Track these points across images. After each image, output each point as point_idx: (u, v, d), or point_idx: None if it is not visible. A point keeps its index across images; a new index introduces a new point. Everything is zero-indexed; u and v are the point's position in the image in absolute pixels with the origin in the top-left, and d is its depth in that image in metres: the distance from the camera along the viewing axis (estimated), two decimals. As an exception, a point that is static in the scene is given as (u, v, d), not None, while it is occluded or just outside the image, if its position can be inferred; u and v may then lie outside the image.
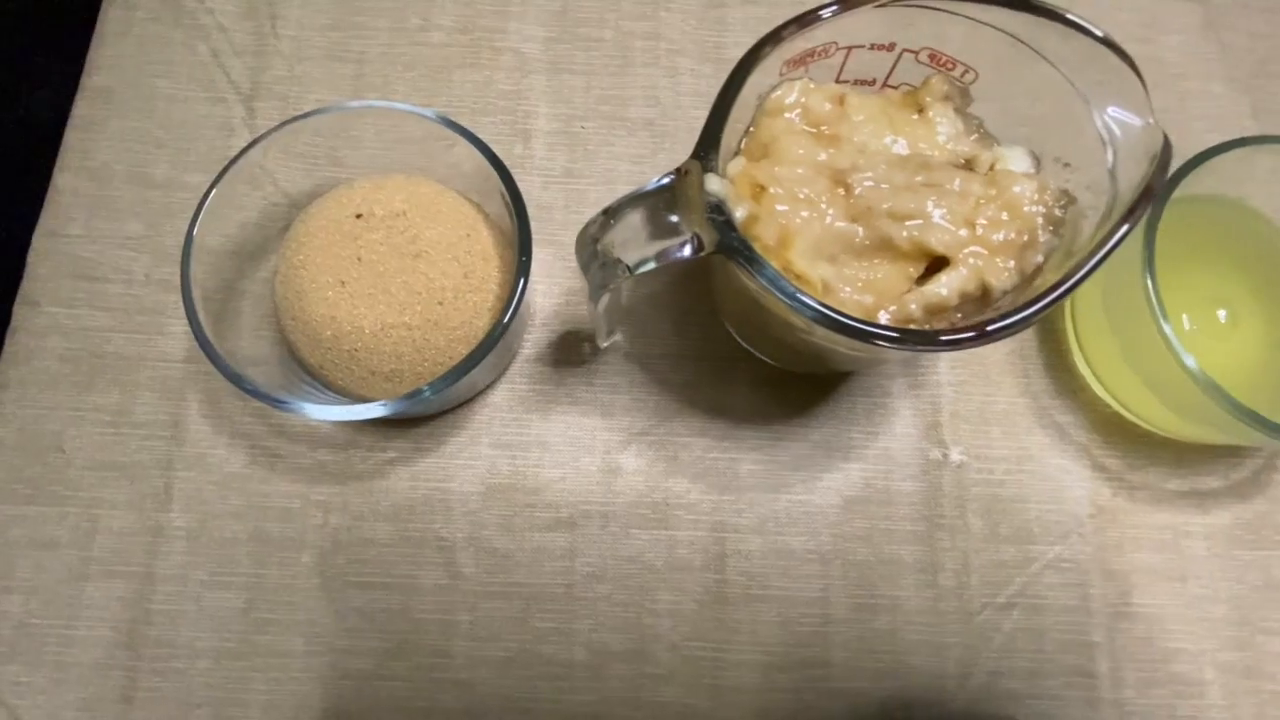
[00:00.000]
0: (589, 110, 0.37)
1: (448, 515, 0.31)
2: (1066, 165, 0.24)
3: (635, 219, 0.22)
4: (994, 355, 0.34)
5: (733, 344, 0.33)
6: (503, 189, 0.28)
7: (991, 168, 0.24)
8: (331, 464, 0.32)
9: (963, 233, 0.23)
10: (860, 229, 0.23)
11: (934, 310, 0.23)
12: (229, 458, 0.31)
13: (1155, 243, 0.28)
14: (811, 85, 0.25)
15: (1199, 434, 0.31)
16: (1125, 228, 0.21)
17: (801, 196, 0.23)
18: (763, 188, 0.22)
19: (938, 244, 0.23)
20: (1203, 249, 0.32)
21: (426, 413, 0.31)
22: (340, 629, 0.30)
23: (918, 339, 0.22)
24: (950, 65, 0.25)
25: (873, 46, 0.25)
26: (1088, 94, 0.23)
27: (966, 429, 0.33)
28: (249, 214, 0.30)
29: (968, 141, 0.25)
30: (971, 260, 0.23)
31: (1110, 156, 0.22)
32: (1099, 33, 0.23)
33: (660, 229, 0.22)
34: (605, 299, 0.24)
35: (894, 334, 0.21)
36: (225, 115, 0.35)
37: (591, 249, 0.23)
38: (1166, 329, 0.27)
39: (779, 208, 0.22)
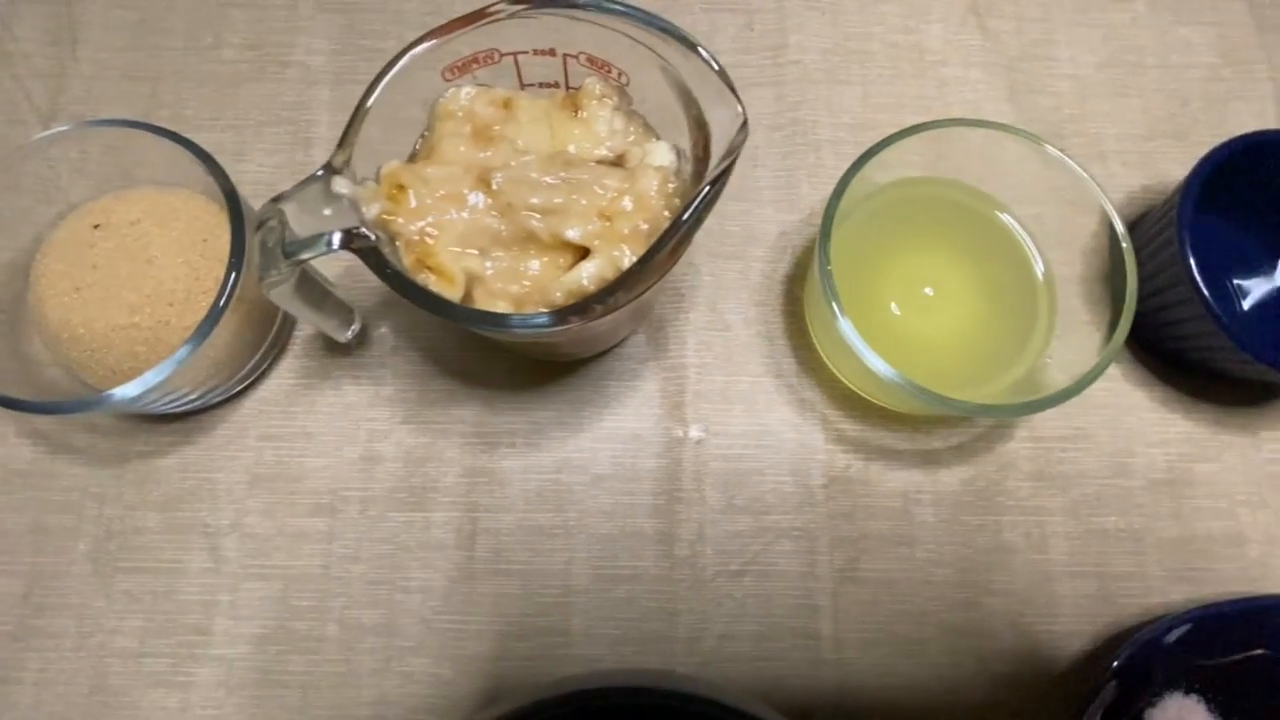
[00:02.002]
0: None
1: (214, 504, 0.33)
2: (699, 158, 0.26)
3: (292, 211, 0.24)
4: (742, 337, 0.36)
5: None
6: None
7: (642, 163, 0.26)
8: (110, 458, 0.34)
9: (596, 225, 0.25)
10: (504, 224, 0.25)
11: (578, 296, 0.25)
12: (12, 455, 0.34)
13: (830, 250, 0.29)
14: (472, 91, 0.26)
15: (915, 409, 0.32)
16: (694, 205, 0.22)
17: (441, 195, 0.24)
18: (403, 187, 0.24)
19: (572, 235, 0.24)
20: (921, 231, 0.34)
21: (188, 409, 0.33)
22: (109, 611, 0.32)
23: (488, 320, 0.23)
24: (606, 68, 0.27)
25: (535, 52, 0.27)
26: (698, 94, 0.25)
27: (708, 407, 0.34)
28: (41, 229, 0.32)
29: (624, 138, 0.27)
30: (606, 249, 0.25)
31: (716, 148, 0.24)
32: (691, 40, 0.24)
33: (315, 221, 0.24)
34: (284, 289, 0.26)
35: (472, 314, 0.23)
36: (23, 137, 0.38)
37: (260, 239, 0.25)
38: (845, 326, 0.29)
39: (412, 204, 0.24)
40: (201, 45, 0.39)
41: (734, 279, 0.36)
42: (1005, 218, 0.34)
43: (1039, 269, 0.33)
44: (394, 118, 0.26)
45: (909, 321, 0.32)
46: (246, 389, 0.34)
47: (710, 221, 0.36)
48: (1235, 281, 0.36)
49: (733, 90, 0.24)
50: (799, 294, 0.36)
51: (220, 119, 0.38)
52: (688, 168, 0.27)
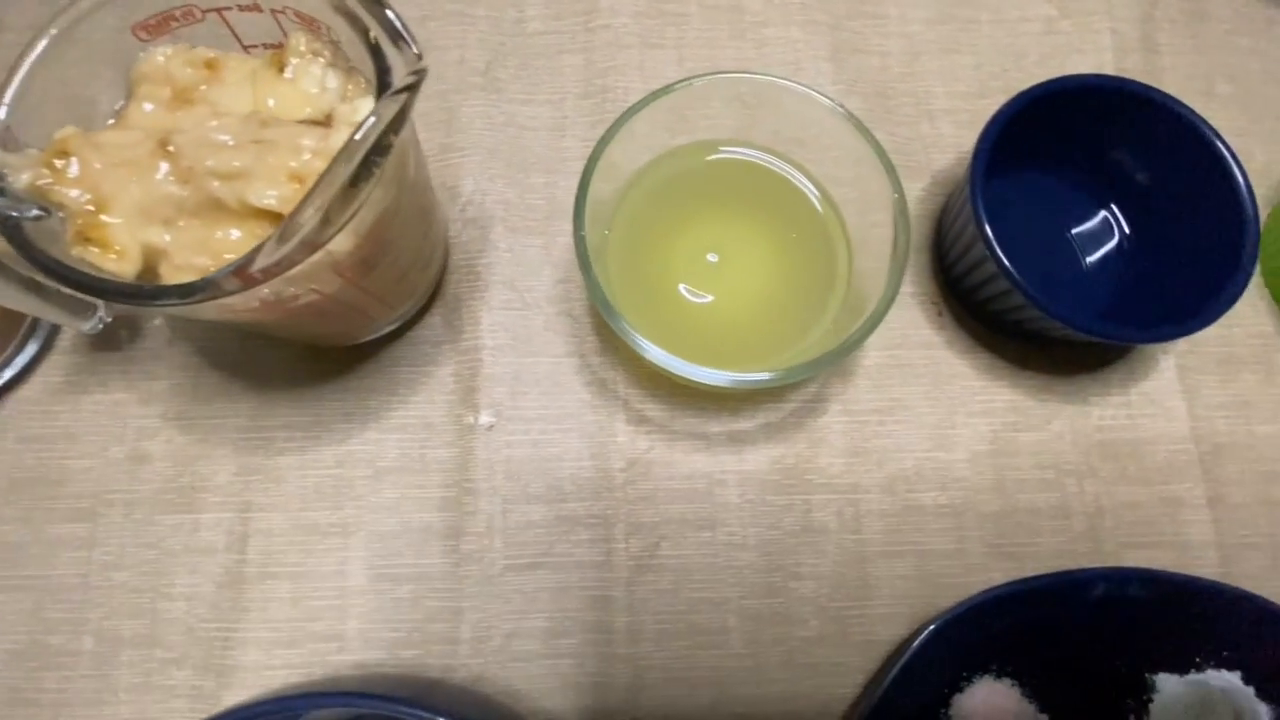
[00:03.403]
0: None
1: (-36, 512, 0.31)
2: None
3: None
4: (543, 316, 0.33)
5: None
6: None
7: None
8: None
9: (287, 188, 0.22)
10: (188, 191, 0.23)
11: (277, 268, 0.23)
12: None
13: (586, 239, 0.27)
14: (169, 51, 0.24)
15: (710, 387, 0.31)
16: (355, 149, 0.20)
17: (118, 162, 0.22)
18: (65, 154, 0.22)
19: (259, 200, 0.22)
20: (709, 201, 0.32)
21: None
22: None
23: (133, 294, 0.21)
24: (314, 24, 0.25)
25: (240, 8, 0.25)
26: (382, 44, 0.22)
27: (502, 391, 0.32)
28: None
29: (337, 97, 0.25)
30: (300, 215, 0.23)
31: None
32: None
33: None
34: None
35: (111, 287, 0.21)
36: None
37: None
38: (623, 325, 0.27)
39: (73, 172, 0.22)
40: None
41: (536, 255, 0.34)
42: (801, 179, 0.32)
43: (836, 230, 0.31)
44: (76, 80, 0.23)
45: (701, 296, 0.31)
46: (4, 389, 0.32)
47: (510, 194, 0.35)
48: (1075, 240, 0.34)
49: (406, 34, 0.22)
50: (606, 269, 0.34)
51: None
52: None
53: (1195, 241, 0.31)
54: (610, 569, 0.31)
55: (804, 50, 0.37)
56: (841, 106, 0.29)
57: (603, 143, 0.28)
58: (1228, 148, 0.31)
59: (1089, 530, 0.32)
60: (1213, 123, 0.37)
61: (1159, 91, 0.31)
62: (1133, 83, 0.31)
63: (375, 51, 0.22)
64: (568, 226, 0.34)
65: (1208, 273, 0.30)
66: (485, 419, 0.32)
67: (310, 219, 0.20)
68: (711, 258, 0.31)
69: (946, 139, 0.37)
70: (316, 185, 0.20)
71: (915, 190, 0.36)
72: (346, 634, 0.30)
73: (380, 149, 0.21)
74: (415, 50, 0.22)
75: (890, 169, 0.28)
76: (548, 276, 0.34)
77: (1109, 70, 0.38)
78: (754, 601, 0.30)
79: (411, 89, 0.21)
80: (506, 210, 0.35)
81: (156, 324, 0.33)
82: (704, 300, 0.30)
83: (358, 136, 0.20)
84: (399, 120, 0.21)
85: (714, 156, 0.32)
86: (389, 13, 0.22)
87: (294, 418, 0.32)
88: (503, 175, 0.35)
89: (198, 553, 0.31)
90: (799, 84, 0.29)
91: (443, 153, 0.35)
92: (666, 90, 0.29)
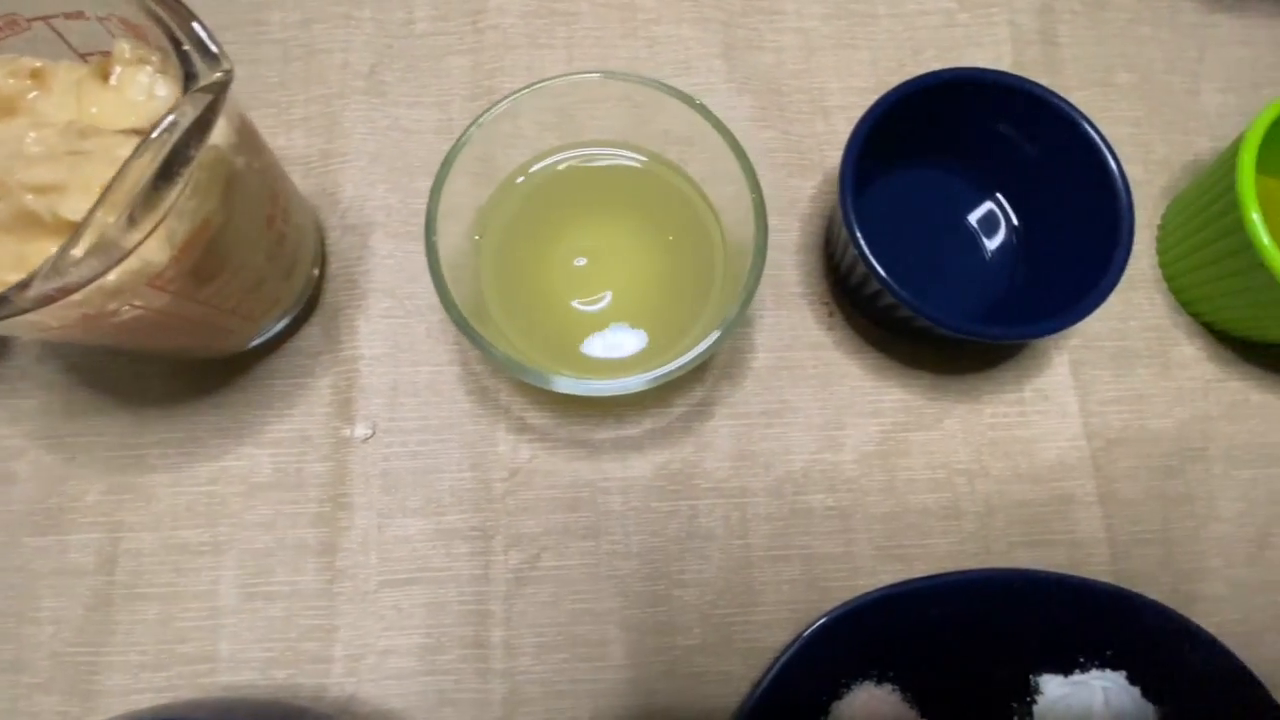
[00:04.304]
0: None
1: None
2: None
3: None
4: (425, 324, 0.33)
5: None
6: None
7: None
8: None
9: (104, 201, 0.22)
10: (1, 205, 0.22)
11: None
12: None
13: (438, 245, 0.27)
14: (-13, 61, 0.23)
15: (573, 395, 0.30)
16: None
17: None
18: None
19: (73, 214, 0.22)
20: (584, 207, 0.31)
21: None
22: None
23: None
24: (141, 31, 0.24)
25: (66, 16, 0.24)
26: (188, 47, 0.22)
27: (380, 402, 0.32)
28: None
29: (164, 105, 0.24)
30: (118, 228, 0.22)
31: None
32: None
33: None
34: None
35: None
36: None
37: None
38: (474, 333, 0.26)
39: None
40: None
41: (419, 261, 0.33)
42: (682, 182, 0.31)
43: (715, 232, 0.31)
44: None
45: (578, 302, 0.30)
46: None
47: (393, 199, 0.34)
48: (969, 236, 0.34)
49: (211, 43, 0.21)
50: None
51: None
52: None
53: (1078, 236, 0.31)
54: (489, 582, 0.30)
55: (695, 48, 0.37)
56: (702, 105, 0.28)
57: (456, 149, 0.27)
58: (1101, 136, 0.30)
59: (979, 530, 0.32)
60: (1112, 113, 0.37)
61: (1031, 82, 0.31)
62: (1003, 74, 0.31)
63: (184, 59, 0.21)
64: (452, 230, 0.34)
65: (1089, 269, 0.30)
66: (361, 431, 0.31)
67: (103, 225, 0.19)
68: (581, 261, 0.30)
69: (841, 135, 0.36)
70: (106, 190, 0.19)
71: (808, 189, 0.35)
72: (217, 655, 0.29)
73: (182, 156, 0.20)
74: (217, 53, 0.21)
75: (749, 170, 0.27)
76: (431, 283, 0.33)
77: (1006, 63, 0.37)
78: (636, 611, 0.30)
79: (215, 90, 0.20)
80: (388, 216, 0.34)
81: (25, 341, 0.32)
82: (581, 306, 0.30)
83: (153, 136, 0.20)
84: (203, 125, 0.20)
85: (596, 159, 0.31)
86: (195, 25, 0.21)
87: (167, 434, 0.31)
88: (385, 180, 0.34)
89: (66, 575, 0.30)
90: (656, 82, 0.28)
91: (324, 159, 0.34)
92: (515, 96, 0.28)
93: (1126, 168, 0.36)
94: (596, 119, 0.31)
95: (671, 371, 0.26)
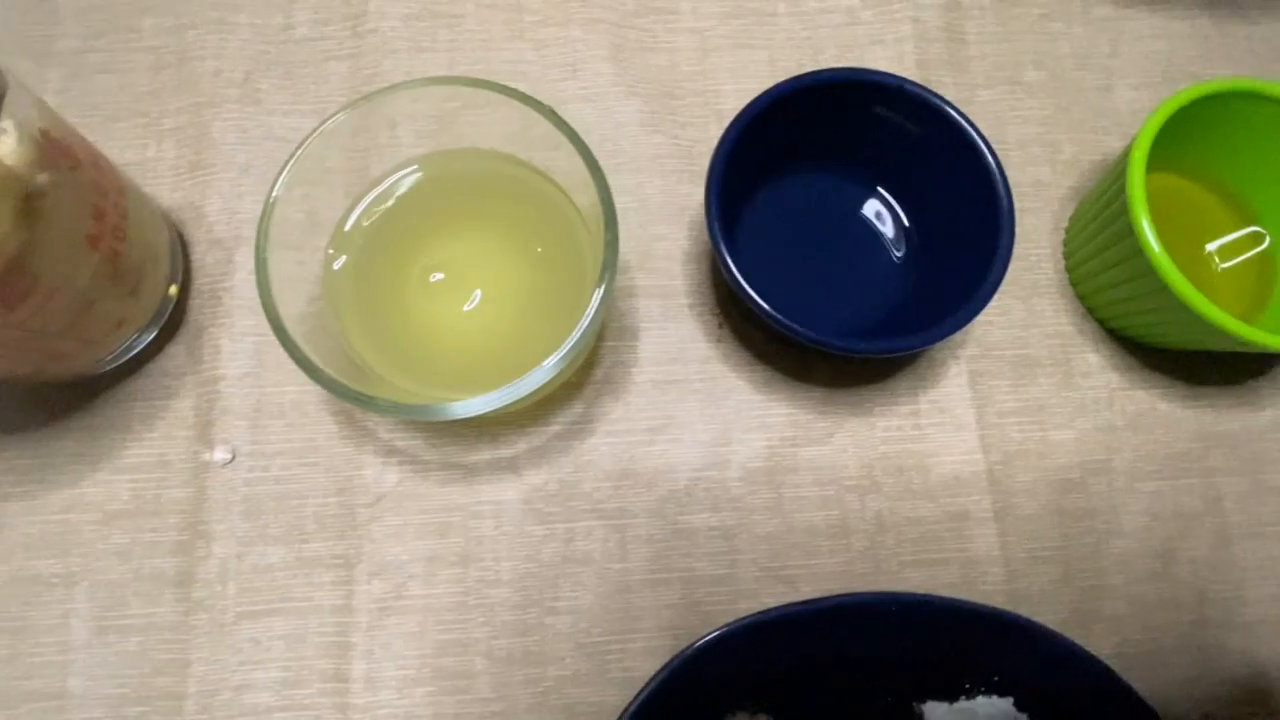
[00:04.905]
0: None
1: None
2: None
3: None
4: (293, 340, 0.31)
5: None
6: None
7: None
8: None
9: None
10: None
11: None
12: None
13: (268, 263, 0.26)
14: None
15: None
16: None
17: None
18: None
19: None
20: (445, 217, 0.30)
21: None
22: None
23: None
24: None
25: None
26: None
27: (242, 425, 0.30)
28: None
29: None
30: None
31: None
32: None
33: None
34: None
35: None
36: None
37: None
38: (309, 361, 0.25)
39: None
40: None
41: (291, 271, 0.32)
42: (553, 190, 0.30)
43: (586, 242, 0.29)
44: None
45: (443, 319, 0.29)
46: None
47: (255, 209, 0.33)
48: (863, 245, 0.33)
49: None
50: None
51: None
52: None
53: (966, 242, 0.29)
54: (351, 613, 0.29)
55: (583, 50, 0.35)
56: (550, 110, 0.26)
57: (289, 161, 0.26)
58: (981, 137, 0.29)
59: (869, 549, 0.30)
60: (1019, 112, 0.36)
61: (911, 82, 0.29)
62: (879, 74, 0.29)
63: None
64: (324, 243, 0.33)
65: (975, 277, 0.28)
66: (220, 455, 0.30)
67: None
68: (439, 277, 0.28)
69: (736, 139, 0.35)
70: None
71: (699, 195, 0.34)
72: (67, 692, 0.28)
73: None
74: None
75: (601, 182, 0.26)
76: (303, 294, 0.32)
77: (909, 61, 0.36)
78: (505, 641, 0.29)
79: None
80: (256, 229, 0.32)
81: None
82: (444, 323, 0.29)
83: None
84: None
85: (460, 169, 0.30)
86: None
87: (19, 461, 0.30)
88: (254, 192, 0.33)
89: (-93, 611, 0.29)
90: (503, 86, 0.27)
91: (192, 170, 0.33)
92: (354, 106, 0.27)
93: (1033, 169, 0.35)
94: (459, 126, 0.29)
95: (517, 391, 0.24)
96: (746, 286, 0.27)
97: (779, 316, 0.27)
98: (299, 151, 0.26)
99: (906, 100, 0.29)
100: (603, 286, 0.25)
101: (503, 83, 0.27)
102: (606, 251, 0.25)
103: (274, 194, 0.26)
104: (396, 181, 0.30)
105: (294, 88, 0.34)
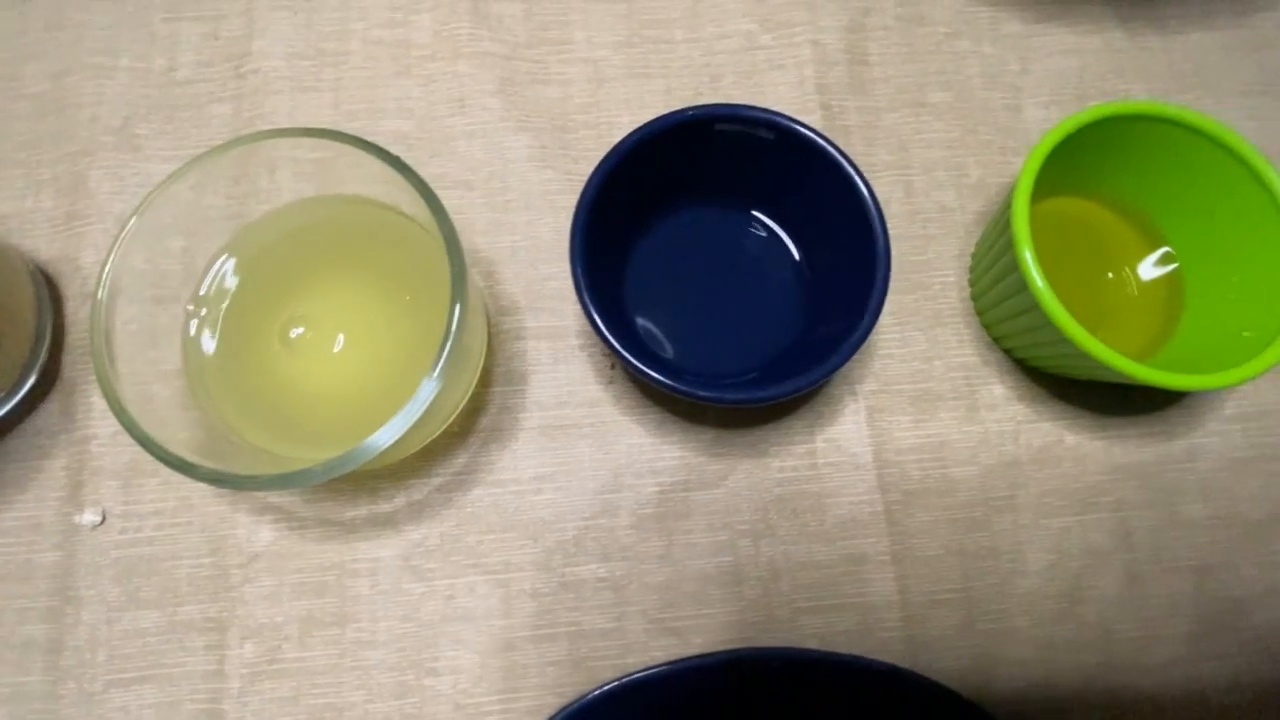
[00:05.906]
0: None
1: None
2: None
3: None
4: (168, 393, 0.31)
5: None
6: None
7: None
8: None
9: None
10: None
11: None
12: None
13: (102, 309, 0.25)
14: None
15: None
16: None
17: None
18: None
19: None
20: (330, 261, 0.29)
21: None
22: None
23: None
24: None
25: None
26: None
27: (114, 485, 0.29)
28: None
29: None
30: None
31: None
32: None
33: None
34: None
35: None
36: None
37: None
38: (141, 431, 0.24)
39: None
40: None
41: (165, 326, 0.31)
42: (420, 235, 0.29)
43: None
44: None
45: (309, 380, 0.28)
46: None
47: (139, 261, 0.32)
48: (755, 282, 0.32)
49: None
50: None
51: None
52: None
53: (851, 278, 0.28)
54: (223, 678, 0.28)
55: (470, 85, 0.34)
56: (397, 158, 0.25)
57: (140, 209, 0.25)
58: (854, 167, 0.28)
59: (762, 596, 0.29)
60: (924, 136, 0.35)
61: (776, 113, 0.28)
62: (745, 108, 0.28)
63: None
64: (183, 303, 0.32)
65: (858, 314, 0.27)
66: (89, 517, 0.29)
67: None
68: (299, 332, 0.28)
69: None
70: None
71: (592, 231, 0.33)
72: (-72, 770, 0.27)
73: None
74: None
75: (445, 226, 0.25)
76: (166, 358, 0.31)
77: (809, 86, 0.35)
78: (382, 705, 0.28)
79: None
80: (133, 280, 0.31)
81: None
82: (311, 380, 0.28)
83: None
84: None
85: (327, 217, 0.29)
86: None
87: (-113, 529, 0.29)
88: (132, 242, 0.32)
89: None
90: (337, 133, 0.26)
91: (68, 221, 0.32)
92: (195, 163, 0.26)
93: (938, 193, 0.34)
94: (329, 173, 0.28)
95: (363, 454, 0.23)
96: (615, 343, 0.26)
97: (637, 363, 0.26)
98: (142, 207, 0.26)
99: (779, 133, 0.28)
100: (448, 344, 0.24)
101: (368, 126, 0.26)
102: (453, 293, 0.24)
103: (110, 260, 0.25)
104: (252, 237, 0.29)
105: (175, 132, 0.34)
